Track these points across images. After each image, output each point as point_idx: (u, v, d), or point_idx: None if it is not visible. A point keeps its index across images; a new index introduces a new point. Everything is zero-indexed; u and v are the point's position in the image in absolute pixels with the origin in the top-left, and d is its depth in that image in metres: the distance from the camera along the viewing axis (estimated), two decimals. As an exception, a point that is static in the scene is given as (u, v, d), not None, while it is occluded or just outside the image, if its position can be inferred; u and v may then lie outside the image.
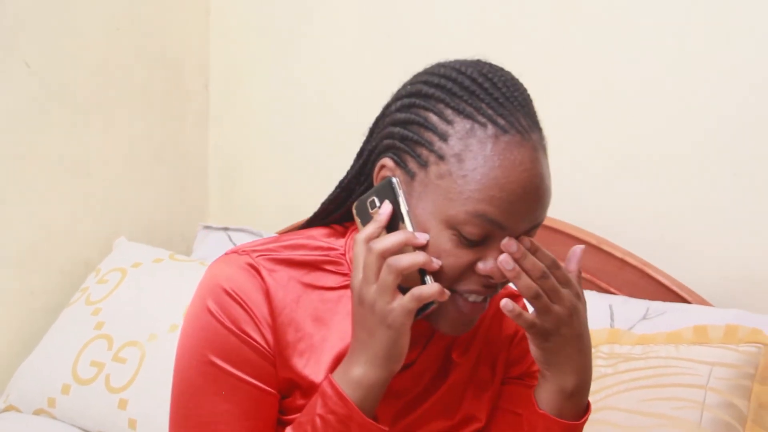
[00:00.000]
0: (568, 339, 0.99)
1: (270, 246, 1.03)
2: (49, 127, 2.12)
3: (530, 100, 0.98)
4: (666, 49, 1.87)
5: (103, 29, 2.22)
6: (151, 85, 2.36)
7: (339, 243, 1.06)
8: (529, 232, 0.97)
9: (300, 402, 1.02)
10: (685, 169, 1.86)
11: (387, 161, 0.98)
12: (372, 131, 1.04)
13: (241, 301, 0.99)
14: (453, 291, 0.96)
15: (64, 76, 2.14)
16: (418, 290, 0.93)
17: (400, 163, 0.97)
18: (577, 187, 1.97)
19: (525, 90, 0.98)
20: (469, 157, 0.92)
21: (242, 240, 2.19)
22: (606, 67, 1.93)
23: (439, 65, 1.00)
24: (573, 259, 1.01)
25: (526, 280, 0.95)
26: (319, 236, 1.06)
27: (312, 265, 1.03)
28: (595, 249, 1.89)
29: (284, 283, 1.01)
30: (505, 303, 0.94)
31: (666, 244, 1.88)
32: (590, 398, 1.56)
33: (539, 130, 0.97)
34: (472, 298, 0.97)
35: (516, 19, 2.02)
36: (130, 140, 2.32)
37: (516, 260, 0.94)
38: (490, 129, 0.93)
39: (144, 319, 1.93)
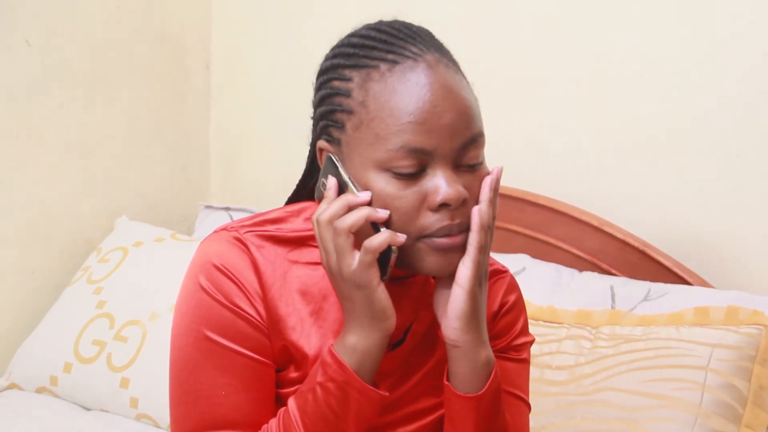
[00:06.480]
0: (483, 300, 1.00)
1: (257, 221, 1.06)
2: (50, 106, 2.11)
3: (424, 33, 1.00)
4: (666, 29, 1.85)
5: (104, 7, 2.21)
6: (152, 63, 2.35)
7: None
8: (467, 150, 0.96)
9: (293, 375, 1.04)
10: (686, 150, 1.85)
11: (321, 143, 1.02)
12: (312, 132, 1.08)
13: (232, 276, 1.02)
14: (420, 238, 0.96)
15: (65, 54, 2.13)
16: (368, 241, 0.95)
17: (328, 138, 1.01)
18: (579, 169, 1.97)
19: (418, 27, 1.00)
20: (371, 99, 0.96)
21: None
22: (606, 48, 1.92)
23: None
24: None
25: (492, 209, 0.96)
26: (305, 212, 1.09)
27: (297, 242, 1.06)
28: (596, 230, 1.88)
29: (272, 259, 1.04)
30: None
31: (667, 226, 1.87)
32: (591, 379, 1.58)
33: (438, 51, 0.98)
34: (440, 241, 0.96)
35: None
36: (131, 119, 2.31)
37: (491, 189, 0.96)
38: (383, 66, 0.96)
39: (145, 299, 1.94)
